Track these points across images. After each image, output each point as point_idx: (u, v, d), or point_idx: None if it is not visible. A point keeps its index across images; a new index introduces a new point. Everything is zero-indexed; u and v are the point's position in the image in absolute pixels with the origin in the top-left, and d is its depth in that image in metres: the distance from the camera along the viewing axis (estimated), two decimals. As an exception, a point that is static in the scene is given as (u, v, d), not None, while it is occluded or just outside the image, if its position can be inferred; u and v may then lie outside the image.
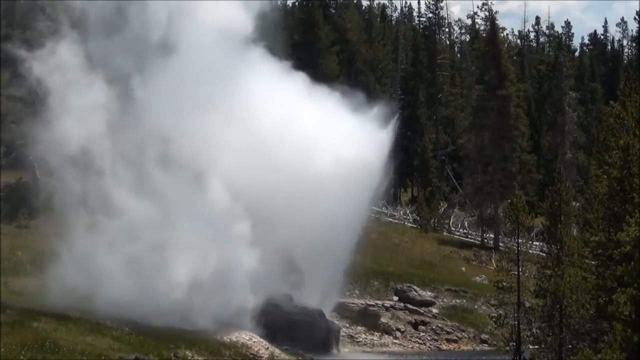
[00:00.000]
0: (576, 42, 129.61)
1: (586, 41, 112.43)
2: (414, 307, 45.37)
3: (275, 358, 32.72)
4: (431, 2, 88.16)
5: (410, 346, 42.90)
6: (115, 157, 34.84)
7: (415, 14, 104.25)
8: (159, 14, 36.33)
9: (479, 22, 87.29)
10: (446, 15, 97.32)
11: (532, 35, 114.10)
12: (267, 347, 33.22)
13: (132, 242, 33.62)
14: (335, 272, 40.92)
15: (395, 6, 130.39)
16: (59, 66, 34.95)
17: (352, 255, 41.91)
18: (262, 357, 32.44)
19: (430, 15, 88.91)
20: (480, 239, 62.71)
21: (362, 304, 44.49)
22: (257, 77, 38.36)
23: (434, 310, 46.14)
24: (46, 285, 33.07)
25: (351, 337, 41.85)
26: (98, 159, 34.55)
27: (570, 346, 27.54)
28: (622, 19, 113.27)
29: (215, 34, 36.76)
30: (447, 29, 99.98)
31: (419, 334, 44.06)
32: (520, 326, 29.11)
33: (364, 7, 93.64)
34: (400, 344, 42.83)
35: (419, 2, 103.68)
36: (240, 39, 37.68)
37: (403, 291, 46.69)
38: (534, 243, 40.73)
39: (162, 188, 34.63)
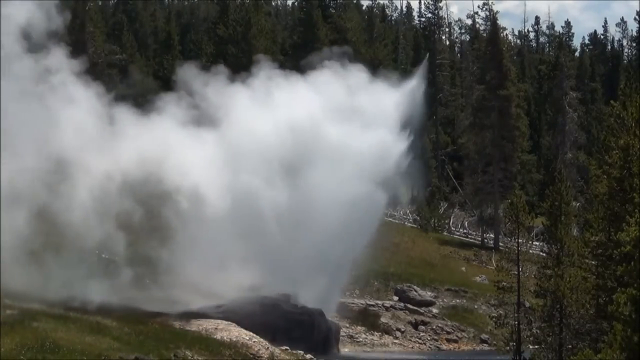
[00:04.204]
0: (576, 42, 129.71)
1: (586, 41, 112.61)
2: (414, 307, 45.38)
3: (275, 358, 32.65)
4: (431, 2, 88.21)
5: (410, 346, 42.87)
6: None
7: (415, 14, 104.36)
8: None
9: (479, 22, 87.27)
10: (446, 15, 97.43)
11: (532, 35, 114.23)
12: (267, 347, 33.15)
13: None
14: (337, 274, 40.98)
15: (395, 6, 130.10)
16: None
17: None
18: (262, 357, 32.36)
19: (430, 15, 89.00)
20: (480, 239, 62.71)
21: (362, 304, 44.48)
22: None
23: (434, 310, 46.14)
24: None
25: (351, 337, 41.81)
26: None
27: (570, 346, 27.51)
28: (622, 19, 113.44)
29: None
30: (447, 29, 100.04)
31: (419, 334, 44.04)
32: (520, 326, 29.08)
33: (364, 7, 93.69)
34: (400, 344, 42.79)
35: (419, 2, 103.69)
36: None
37: (403, 291, 46.69)
38: (534, 243, 40.70)
39: None
